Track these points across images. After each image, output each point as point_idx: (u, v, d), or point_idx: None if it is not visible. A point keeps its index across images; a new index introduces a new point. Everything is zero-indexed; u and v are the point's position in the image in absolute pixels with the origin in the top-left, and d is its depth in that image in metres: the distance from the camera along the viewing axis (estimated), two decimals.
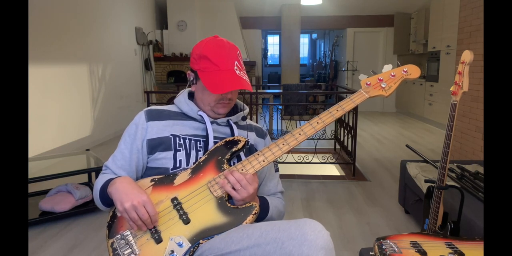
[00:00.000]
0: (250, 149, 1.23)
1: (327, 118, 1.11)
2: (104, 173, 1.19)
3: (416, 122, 6.71)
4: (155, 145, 1.15)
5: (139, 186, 1.07)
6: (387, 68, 1.18)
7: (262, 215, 1.17)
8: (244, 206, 1.06)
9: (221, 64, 1.12)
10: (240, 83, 1.10)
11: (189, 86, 1.25)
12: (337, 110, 1.12)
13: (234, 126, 1.21)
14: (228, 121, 1.22)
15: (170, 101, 1.27)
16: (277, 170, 1.32)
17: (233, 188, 1.05)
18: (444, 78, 5.76)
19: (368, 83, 1.16)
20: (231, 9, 7.34)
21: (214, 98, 1.16)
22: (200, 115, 1.18)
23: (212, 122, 1.19)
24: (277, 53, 13.75)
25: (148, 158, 1.17)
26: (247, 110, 1.29)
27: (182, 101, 1.22)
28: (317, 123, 1.11)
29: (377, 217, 2.60)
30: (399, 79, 1.16)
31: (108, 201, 1.09)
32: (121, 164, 1.16)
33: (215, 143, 1.16)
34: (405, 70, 1.17)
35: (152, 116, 1.19)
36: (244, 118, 1.27)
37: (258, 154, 1.10)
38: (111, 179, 1.10)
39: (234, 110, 1.29)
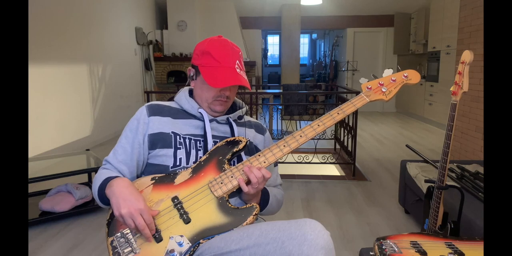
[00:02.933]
0: (249, 146, 1.23)
1: (328, 120, 1.13)
2: (104, 168, 1.17)
3: (416, 122, 6.71)
4: (156, 141, 1.15)
5: (136, 191, 1.05)
6: (388, 72, 1.19)
7: (264, 204, 1.20)
8: (245, 206, 1.06)
9: (223, 61, 1.14)
10: (239, 79, 1.12)
11: (189, 84, 1.26)
12: (338, 113, 1.14)
13: (234, 124, 1.22)
14: (227, 119, 1.22)
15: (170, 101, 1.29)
16: (276, 164, 1.32)
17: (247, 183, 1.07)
18: (444, 78, 5.76)
19: (369, 87, 1.17)
20: (231, 9, 7.34)
21: (212, 94, 1.17)
22: (200, 112, 1.19)
23: (211, 120, 1.20)
24: (277, 53, 13.75)
25: (149, 153, 1.17)
26: (245, 108, 1.30)
27: (182, 98, 1.23)
28: (318, 125, 1.12)
29: (377, 217, 2.60)
30: (399, 84, 1.18)
31: (106, 200, 1.09)
32: (122, 158, 1.15)
33: (214, 142, 1.17)
34: (405, 75, 1.18)
35: (154, 111, 1.19)
36: (240, 118, 1.27)
37: (259, 155, 1.11)
38: (109, 178, 1.09)
39: (233, 108, 1.29)
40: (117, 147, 1.18)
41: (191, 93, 1.26)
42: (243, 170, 1.09)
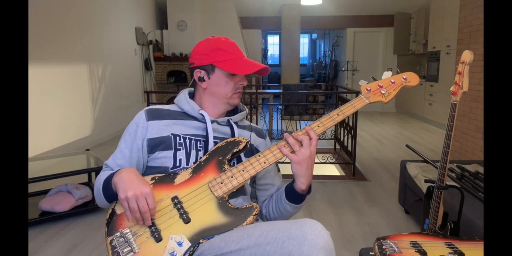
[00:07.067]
0: (250, 149, 1.23)
1: (328, 122, 1.13)
2: (105, 171, 1.18)
3: (416, 122, 6.71)
4: (155, 145, 1.15)
5: (143, 178, 1.07)
6: (387, 74, 1.20)
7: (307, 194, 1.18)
8: (245, 206, 1.06)
9: (236, 53, 1.19)
10: (258, 64, 1.19)
11: (191, 86, 1.26)
12: (338, 115, 1.14)
13: (235, 126, 1.22)
14: (228, 120, 1.22)
15: (170, 101, 1.29)
16: (278, 170, 1.32)
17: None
18: (444, 78, 5.76)
19: (369, 89, 1.18)
20: (231, 9, 7.34)
21: (231, 88, 1.20)
22: (201, 113, 1.18)
23: (212, 121, 1.20)
24: (277, 53, 13.75)
25: (148, 157, 1.17)
26: (245, 111, 1.30)
27: (183, 100, 1.22)
28: (318, 126, 1.13)
29: (377, 217, 2.60)
30: (398, 86, 1.19)
31: (110, 193, 1.08)
32: (121, 163, 1.16)
33: (215, 143, 1.16)
34: (404, 77, 1.19)
35: (153, 116, 1.19)
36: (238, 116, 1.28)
37: (259, 155, 1.11)
38: (114, 172, 1.10)
39: (234, 111, 1.29)
40: (116, 152, 1.19)
41: (191, 95, 1.26)
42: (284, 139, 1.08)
